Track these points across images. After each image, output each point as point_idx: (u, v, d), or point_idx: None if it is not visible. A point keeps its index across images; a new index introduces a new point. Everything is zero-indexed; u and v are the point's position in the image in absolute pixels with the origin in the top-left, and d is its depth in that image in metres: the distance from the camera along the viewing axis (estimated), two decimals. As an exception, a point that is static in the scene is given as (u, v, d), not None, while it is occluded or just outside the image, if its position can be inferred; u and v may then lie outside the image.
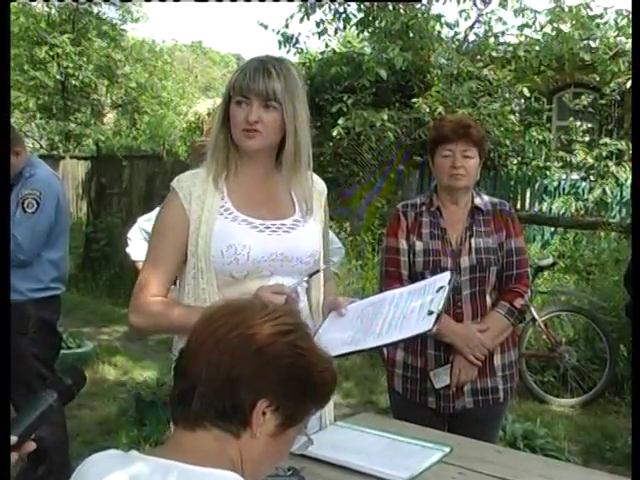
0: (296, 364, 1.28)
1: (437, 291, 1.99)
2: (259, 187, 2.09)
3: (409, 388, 2.83)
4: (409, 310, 1.97)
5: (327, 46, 10.68)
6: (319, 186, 2.23)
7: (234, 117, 2.01)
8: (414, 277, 2.79)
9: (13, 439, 1.30)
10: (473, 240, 2.77)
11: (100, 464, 1.29)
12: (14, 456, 1.32)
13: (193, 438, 1.27)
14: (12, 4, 13.72)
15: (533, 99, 10.06)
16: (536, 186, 9.65)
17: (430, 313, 1.89)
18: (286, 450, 1.39)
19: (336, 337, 2.00)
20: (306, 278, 2.06)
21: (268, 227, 2.04)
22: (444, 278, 2.07)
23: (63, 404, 1.40)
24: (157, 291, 2.02)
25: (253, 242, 2.00)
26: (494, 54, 9.88)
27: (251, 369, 1.25)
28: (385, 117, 8.85)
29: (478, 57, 9.85)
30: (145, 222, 3.78)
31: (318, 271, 2.10)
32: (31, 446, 1.34)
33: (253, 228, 2.02)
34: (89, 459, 1.31)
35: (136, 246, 3.74)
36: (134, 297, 2.05)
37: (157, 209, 3.48)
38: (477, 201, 2.84)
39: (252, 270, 2.00)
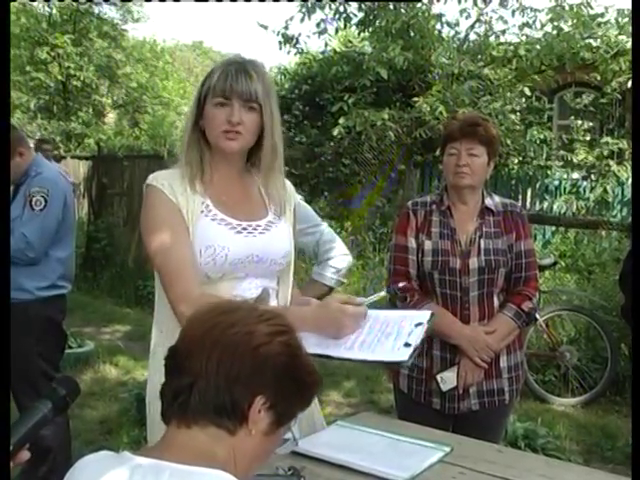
0: (291, 363, 1.32)
1: (415, 326, 1.95)
2: (233, 188, 2.08)
3: (414, 388, 2.82)
4: (384, 335, 1.93)
5: (327, 45, 10.68)
6: (290, 189, 2.23)
7: (213, 118, 1.98)
8: (422, 276, 2.79)
9: None
10: (482, 241, 2.75)
11: (92, 466, 1.29)
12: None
13: (187, 436, 1.27)
14: (13, 4, 13.72)
15: (534, 98, 10.06)
16: (537, 185, 9.66)
17: (407, 345, 1.87)
18: (274, 449, 1.42)
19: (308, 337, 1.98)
20: None
21: (245, 228, 2.03)
22: (425, 315, 2.03)
23: (57, 414, 1.40)
24: (195, 279, 1.92)
25: (232, 244, 1.99)
26: (495, 53, 9.86)
27: (250, 366, 1.27)
28: (386, 116, 8.84)
29: (479, 56, 9.84)
30: None
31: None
32: (25, 455, 1.34)
33: (232, 229, 2.01)
34: (81, 461, 1.31)
35: None
36: (176, 287, 1.91)
37: None
38: (488, 202, 2.82)
39: (228, 271, 1.99)
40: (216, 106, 1.97)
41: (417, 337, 1.90)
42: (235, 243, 1.99)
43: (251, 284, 2.03)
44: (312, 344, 1.92)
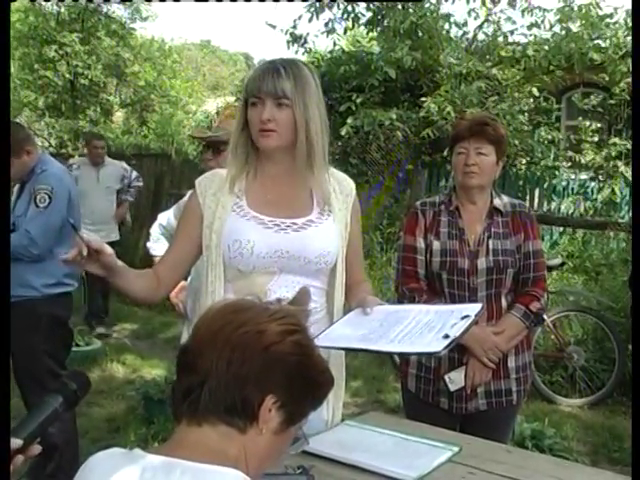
0: (302, 363, 1.31)
1: (462, 318, 1.95)
2: (278, 187, 2.12)
3: (422, 388, 2.82)
4: (428, 327, 1.95)
5: (335, 45, 10.68)
6: (346, 188, 2.23)
7: (250, 118, 2.06)
8: (430, 276, 2.79)
9: (18, 442, 1.32)
10: (491, 242, 2.75)
11: (103, 463, 1.29)
12: (20, 459, 1.33)
13: (198, 434, 1.27)
14: (22, 3, 13.75)
15: (542, 99, 10.03)
16: (545, 186, 9.63)
17: (445, 337, 1.86)
18: (285, 448, 1.41)
19: (348, 332, 2.00)
20: None
21: (277, 224, 2.07)
22: (474, 308, 2.05)
23: (67, 409, 1.41)
24: (161, 267, 2.18)
25: (257, 238, 2.04)
26: (503, 54, 9.85)
27: (260, 366, 1.26)
28: (394, 116, 8.85)
29: (487, 57, 9.83)
30: (162, 218, 3.95)
31: None
32: (36, 449, 1.35)
33: (260, 224, 2.07)
34: (92, 458, 1.31)
35: (154, 241, 3.89)
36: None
37: (174, 207, 3.69)
38: (496, 202, 2.81)
39: (258, 265, 2.05)
40: (251, 107, 2.06)
41: (458, 329, 1.89)
42: (261, 237, 2.05)
43: (287, 281, 2.07)
44: (355, 339, 1.96)
